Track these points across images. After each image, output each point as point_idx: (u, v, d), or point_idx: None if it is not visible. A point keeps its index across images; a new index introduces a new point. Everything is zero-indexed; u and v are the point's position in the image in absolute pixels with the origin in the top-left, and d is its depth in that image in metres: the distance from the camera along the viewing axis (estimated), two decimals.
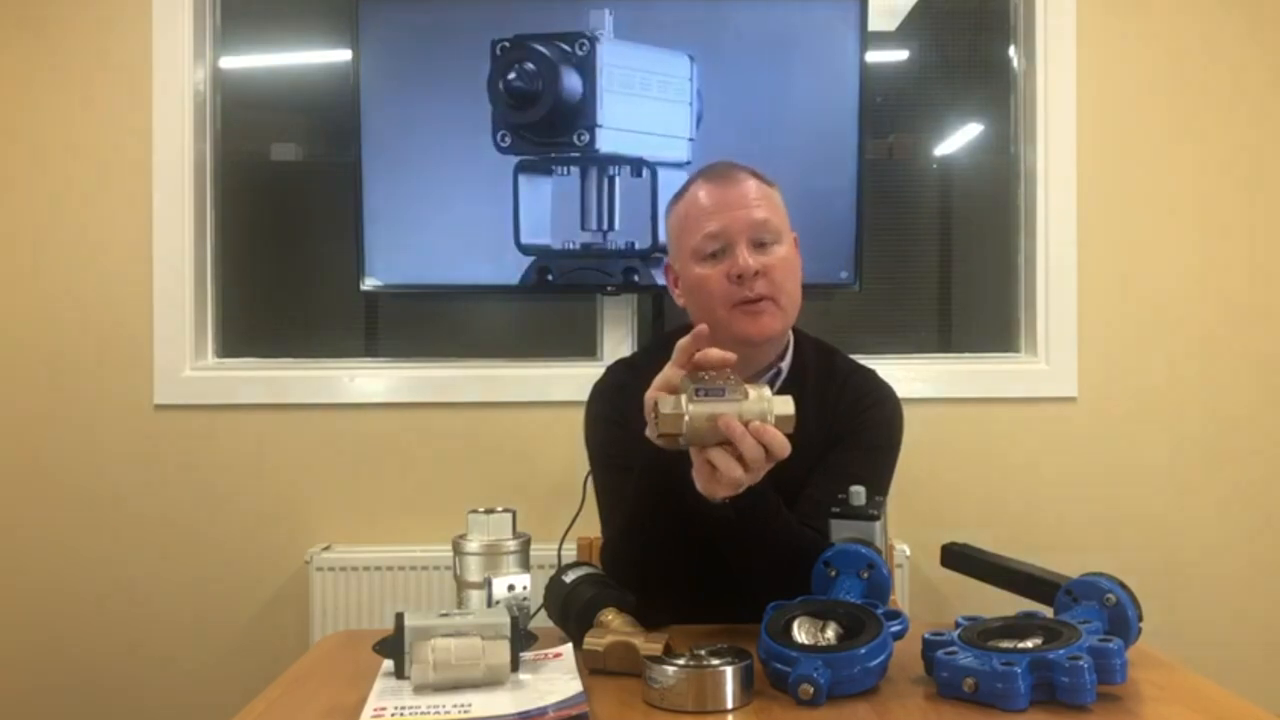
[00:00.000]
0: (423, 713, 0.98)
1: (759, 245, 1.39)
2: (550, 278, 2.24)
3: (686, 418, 1.12)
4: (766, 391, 1.15)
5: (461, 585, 1.25)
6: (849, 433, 1.42)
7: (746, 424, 1.12)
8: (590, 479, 1.50)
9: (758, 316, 1.39)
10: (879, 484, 1.42)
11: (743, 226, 1.38)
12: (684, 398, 1.13)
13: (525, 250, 2.23)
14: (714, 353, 1.16)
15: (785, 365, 1.48)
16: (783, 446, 1.13)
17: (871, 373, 1.54)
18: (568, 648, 1.17)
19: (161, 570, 2.34)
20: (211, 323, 2.43)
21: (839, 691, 1.03)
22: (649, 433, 1.15)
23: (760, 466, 1.14)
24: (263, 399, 2.36)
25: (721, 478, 1.14)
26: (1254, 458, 2.41)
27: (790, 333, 1.50)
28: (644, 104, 2.20)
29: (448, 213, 2.27)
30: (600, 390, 1.55)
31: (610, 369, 1.57)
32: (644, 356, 1.59)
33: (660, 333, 2.24)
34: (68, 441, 2.34)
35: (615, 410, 1.49)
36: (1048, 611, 1.16)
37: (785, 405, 1.14)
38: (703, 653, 1.05)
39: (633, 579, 1.27)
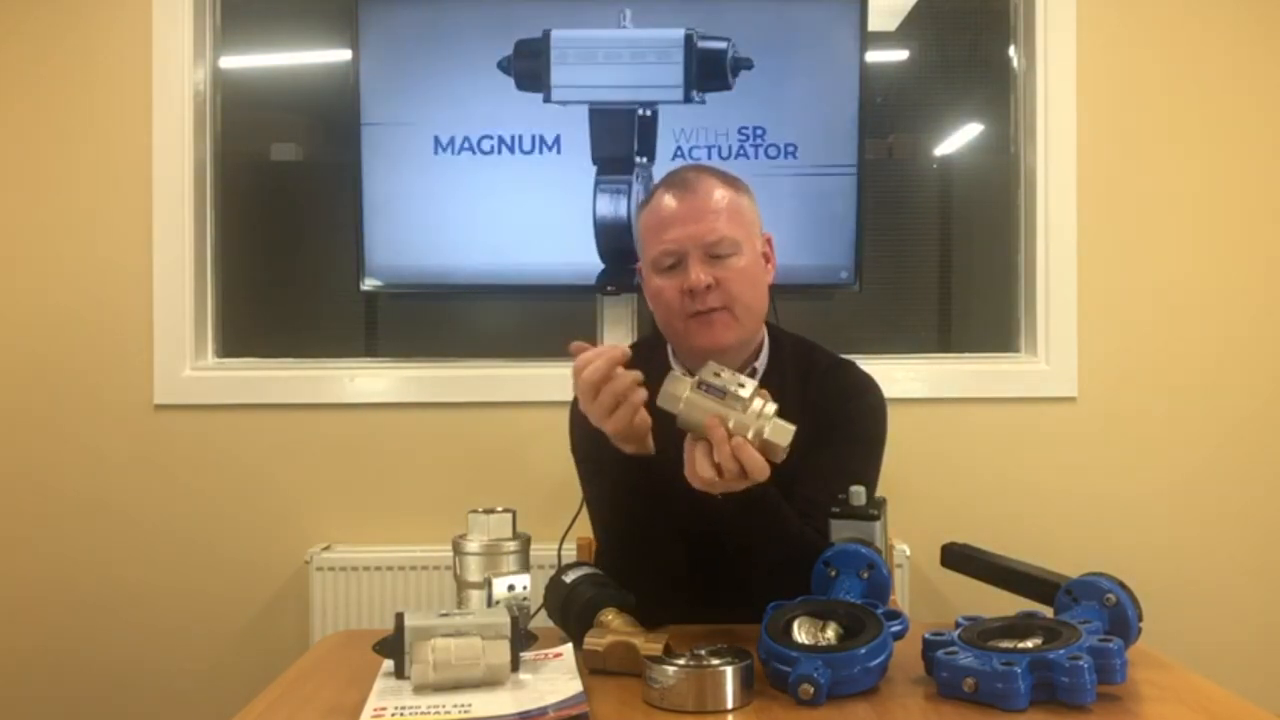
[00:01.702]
0: (423, 713, 0.98)
1: (714, 259, 1.38)
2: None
3: (682, 404, 1.14)
4: (771, 409, 1.15)
5: (461, 585, 1.25)
6: (834, 427, 1.42)
7: (732, 436, 1.13)
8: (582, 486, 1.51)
9: (710, 327, 1.39)
10: (868, 477, 1.42)
11: (696, 241, 1.38)
12: (690, 383, 1.14)
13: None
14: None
15: (760, 365, 1.48)
16: (759, 470, 1.14)
17: (852, 365, 1.54)
18: (568, 648, 1.17)
19: (161, 570, 2.34)
20: (211, 323, 2.43)
21: (839, 691, 1.04)
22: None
23: (733, 479, 1.15)
24: (263, 399, 2.36)
25: (696, 474, 1.16)
26: (1254, 457, 2.41)
27: (765, 331, 1.51)
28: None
29: (448, 213, 2.27)
30: None
31: None
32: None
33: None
34: (68, 442, 2.34)
35: None
36: (1048, 611, 1.16)
37: (780, 434, 1.15)
38: (703, 653, 1.05)
39: (632, 582, 1.27)
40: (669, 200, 1.41)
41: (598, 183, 2.23)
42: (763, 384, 1.44)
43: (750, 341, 1.47)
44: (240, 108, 2.50)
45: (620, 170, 2.23)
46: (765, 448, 1.14)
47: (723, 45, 2.18)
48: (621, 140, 2.22)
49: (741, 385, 1.15)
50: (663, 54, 2.18)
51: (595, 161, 2.23)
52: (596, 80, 2.21)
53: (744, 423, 1.14)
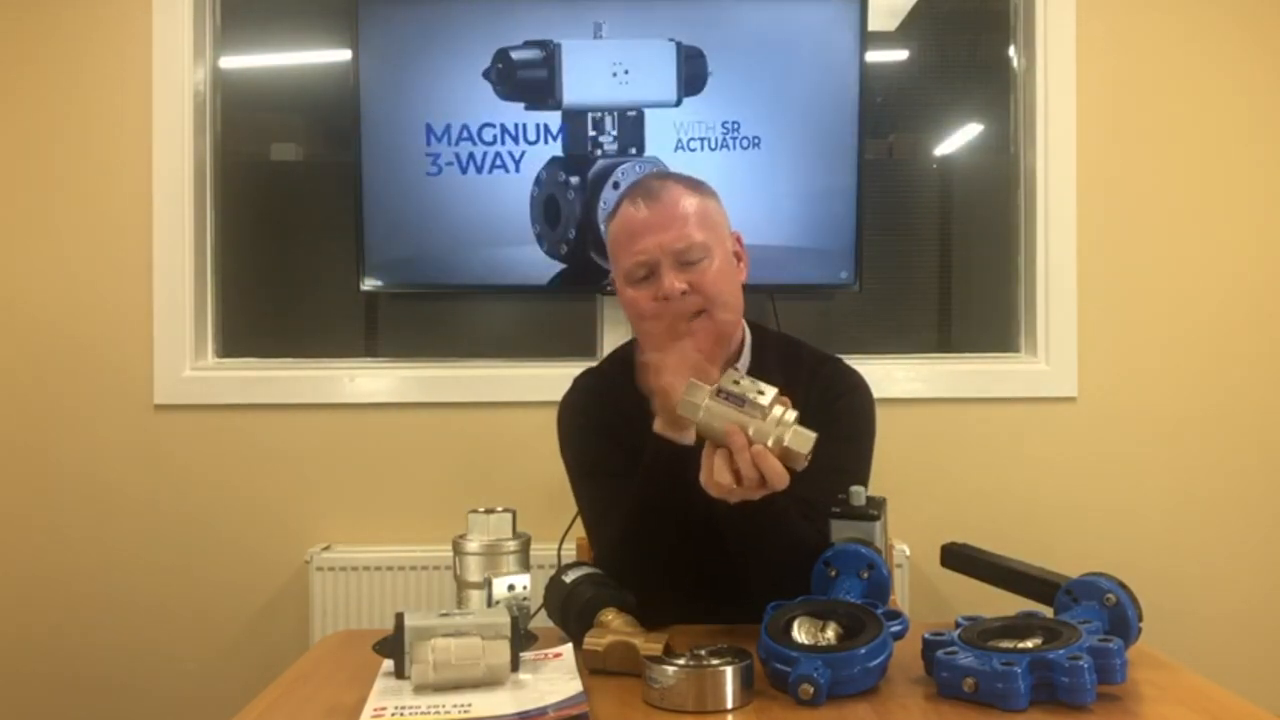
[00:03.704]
0: (423, 713, 0.98)
1: (685, 265, 1.38)
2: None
3: (701, 412, 1.13)
4: (791, 417, 1.14)
5: (461, 585, 1.25)
6: (823, 425, 1.41)
7: (753, 443, 1.12)
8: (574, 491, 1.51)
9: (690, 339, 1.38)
10: (861, 474, 1.43)
11: (667, 249, 1.37)
12: (709, 390, 1.14)
13: None
14: None
15: (743, 364, 1.48)
16: (779, 478, 1.13)
17: (839, 362, 1.54)
18: (568, 648, 1.17)
19: (161, 570, 2.34)
20: (211, 323, 2.43)
21: (839, 691, 1.04)
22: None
23: (752, 487, 1.14)
24: (263, 399, 2.36)
25: (714, 480, 1.15)
26: (1253, 456, 2.41)
27: (746, 330, 1.50)
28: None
29: (447, 213, 2.27)
30: (571, 402, 1.56)
31: (578, 379, 1.59)
32: (610, 365, 1.60)
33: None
34: (68, 441, 2.34)
35: (589, 419, 1.50)
36: (1048, 611, 1.16)
37: (801, 441, 1.14)
38: (703, 653, 1.05)
39: (637, 576, 1.27)
40: (635, 210, 1.40)
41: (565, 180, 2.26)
42: None
43: (730, 342, 1.47)
44: (240, 108, 2.50)
45: (581, 165, 2.25)
46: (786, 455, 1.13)
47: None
48: (585, 137, 2.26)
49: (761, 392, 1.14)
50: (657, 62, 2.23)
51: (566, 156, 2.26)
52: (601, 87, 2.24)
53: (764, 430, 1.13)
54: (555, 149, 2.25)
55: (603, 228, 1.49)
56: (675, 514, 1.29)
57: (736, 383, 1.15)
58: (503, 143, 2.25)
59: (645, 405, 1.31)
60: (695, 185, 1.44)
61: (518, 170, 2.25)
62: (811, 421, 1.18)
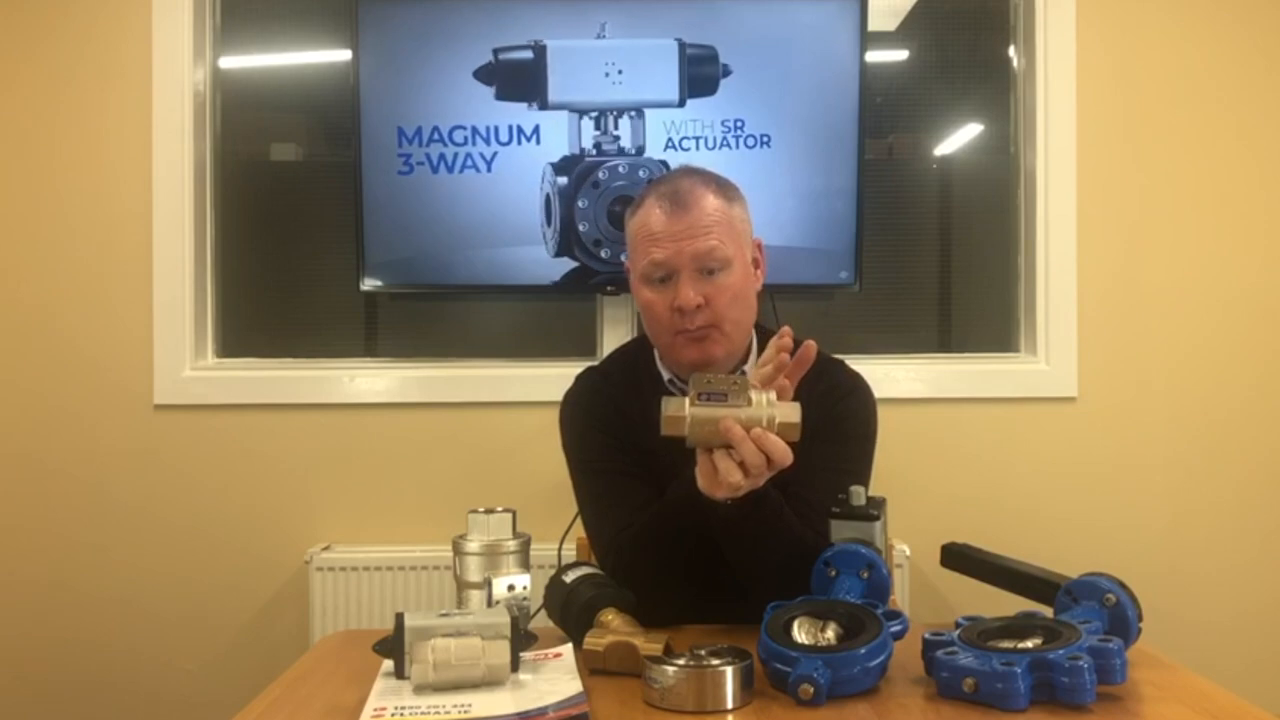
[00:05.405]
0: (423, 713, 0.98)
1: (706, 272, 1.37)
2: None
3: (688, 420, 1.13)
4: (772, 396, 1.16)
5: (461, 585, 1.25)
6: (825, 426, 1.41)
7: (749, 430, 1.13)
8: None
9: (700, 344, 1.39)
10: (861, 474, 1.43)
11: (688, 259, 1.36)
12: (687, 400, 1.14)
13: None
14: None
15: (749, 368, 1.48)
16: (784, 454, 1.14)
17: (841, 364, 1.54)
18: (568, 648, 1.17)
19: (161, 570, 2.34)
20: (211, 323, 2.43)
21: (839, 691, 1.04)
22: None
23: (760, 473, 1.15)
24: (263, 399, 2.36)
25: (721, 480, 1.15)
26: (1254, 457, 2.41)
27: (753, 334, 1.50)
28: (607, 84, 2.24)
29: (447, 213, 2.27)
30: (575, 399, 1.55)
31: (581, 377, 1.58)
32: (612, 364, 1.60)
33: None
34: (68, 441, 2.34)
35: (593, 417, 1.50)
36: (1048, 611, 1.16)
37: (790, 413, 1.15)
38: (703, 653, 1.05)
39: (638, 576, 1.28)
40: (661, 211, 1.39)
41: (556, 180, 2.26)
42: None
43: (737, 351, 1.47)
44: (240, 108, 2.50)
45: (572, 165, 2.25)
46: (783, 431, 1.14)
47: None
48: (579, 137, 2.26)
49: (735, 384, 1.15)
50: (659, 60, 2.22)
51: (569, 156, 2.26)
52: (593, 87, 2.24)
53: (755, 416, 1.14)
54: (533, 149, 2.25)
55: (625, 218, 1.48)
56: (685, 543, 1.31)
57: (709, 382, 1.15)
58: (473, 143, 2.24)
59: (647, 404, 1.31)
60: (723, 189, 1.42)
61: (489, 170, 2.25)
62: (813, 424, 1.18)
